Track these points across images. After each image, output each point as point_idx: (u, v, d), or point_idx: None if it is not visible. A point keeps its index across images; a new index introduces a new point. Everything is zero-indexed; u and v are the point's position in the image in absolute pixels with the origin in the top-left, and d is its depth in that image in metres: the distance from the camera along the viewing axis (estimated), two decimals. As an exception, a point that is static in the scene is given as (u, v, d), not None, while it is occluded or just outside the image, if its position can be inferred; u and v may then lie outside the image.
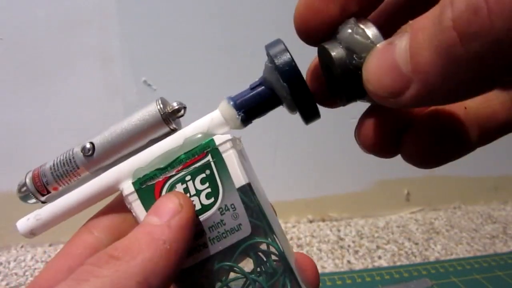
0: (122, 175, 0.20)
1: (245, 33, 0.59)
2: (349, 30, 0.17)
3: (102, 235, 0.21)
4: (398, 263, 0.54)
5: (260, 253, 0.20)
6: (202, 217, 0.20)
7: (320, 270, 0.52)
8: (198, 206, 0.20)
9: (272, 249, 0.20)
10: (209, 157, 0.20)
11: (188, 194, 0.20)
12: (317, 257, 0.56)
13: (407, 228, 0.65)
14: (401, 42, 0.14)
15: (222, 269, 0.20)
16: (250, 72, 0.63)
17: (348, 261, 0.55)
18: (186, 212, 0.19)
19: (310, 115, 0.20)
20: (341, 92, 0.18)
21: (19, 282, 0.51)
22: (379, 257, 0.56)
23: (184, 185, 0.20)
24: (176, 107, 0.21)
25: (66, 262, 0.20)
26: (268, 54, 0.20)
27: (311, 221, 0.66)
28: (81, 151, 0.21)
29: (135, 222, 0.21)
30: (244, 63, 0.60)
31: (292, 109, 0.20)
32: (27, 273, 0.53)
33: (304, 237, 0.61)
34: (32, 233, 0.22)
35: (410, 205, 0.71)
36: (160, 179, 0.20)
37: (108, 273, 0.16)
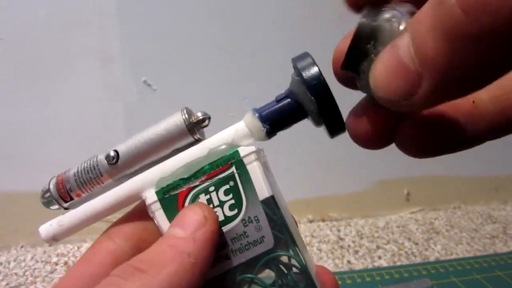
0: (145, 183, 0.21)
1: (245, 33, 0.59)
2: (387, 15, 0.16)
3: (123, 243, 0.21)
4: (398, 263, 0.54)
5: (281, 266, 0.20)
6: (225, 229, 0.20)
7: (320, 270, 0.52)
8: (221, 217, 0.20)
9: (294, 262, 0.20)
10: (233, 169, 0.20)
11: (211, 205, 0.20)
12: (317, 257, 0.56)
13: (407, 228, 0.65)
14: (403, 40, 0.14)
15: (243, 281, 0.20)
16: (250, 72, 0.64)
17: (348, 261, 0.55)
18: (211, 224, 0.19)
19: (336, 129, 0.20)
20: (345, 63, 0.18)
21: (19, 282, 0.51)
22: (379, 257, 0.56)
23: (208, 196, 0.20)
24: (201, 118, 0.21)
25: (87, 269, 0.20)
26: (295, 67, 0.20)
27: (311, 221, 0.66)
28: (105, 159, 0.21)
29: (157, 230, 0.21)
30: (244, 63, 0.60)
31: (318, 123, 0.20)
32: (27, 273, 0.53)
33: (304, 237, 0.61)
34: (54, 238, 0.22)
35: (410, 205, 0.71)
36: (184, 189, 0.20)
37: (133, 286, 0.16)
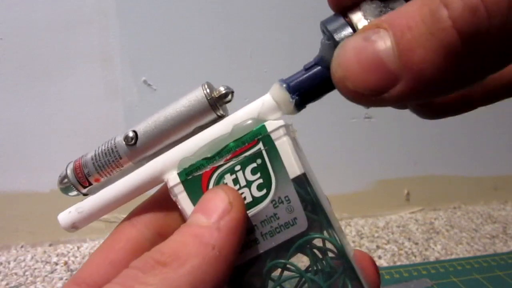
0: (167, 165, 0.19)
1: (245, 33, 0.59)
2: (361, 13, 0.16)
3: (145, 229, 0.20)
4: (398, 263, 0.54)
5: (316, 250, 0.19)
6: (253, 211, 0.18)
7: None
8: (249, 199, 0.18)
9: (330, 245, 0.18)
10: (260, 145, 0.18)
11: (237, 186, 0.19)
12: (317, 257, 0.56)
13: (407, 228, 0.64)
14: (383, 39, 0.14)
15: (275, 267, 0.19)
16: (250, 72, 0.63)
17: (348, 261, 0.55)
18: (237, 211, 0.17)
19: None
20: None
21: (19, 282, 0.51)
22: (379, 257, 0.56)
23: (234, 176, 0.19)
24: (224, 92, 0.19)
25: (108, 256, 0.19)
26: (325, 30, 0.18)
27: (311, 221, 0.66)
28: (124, 140, 0.20)
29: (180, 216, 0.20)
30: (244, 63, 0.60)
31: None
32: (27, 273, 0.53)
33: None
34: (74, 226, 0.21)
35: (410, 205, 0.71)
36: (208, 169, 0.19)
37: (154, 281, 0.15)
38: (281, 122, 0.18)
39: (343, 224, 0.66)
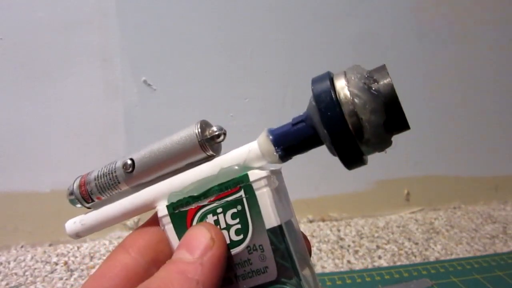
0: (158, 195, 0.21)
1: (245, 33, 0.59)
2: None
3: (139, 256, 0.21)
4: (398, 263, 0.54)
5: None
6: (230, 252, 0.20)
7: (320, 270, 0.52)
8: (227, 241, 0.20)
9: None
10: (241, 193, 0.19)
11: (218, 226, 0.20)
12: (317, 257, 0.56)
13: (407, 228, 0.64)
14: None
15: None
16: (250, 72, 0.63)
17: (348, 261, 0.55)
18: (218, 247, 0.18)
19: (352, 164, 0.19)
20: None
21: (19, 282, 0.51)
22: (379, 257, 0.56)
23: (215, 217, 0.20)
24: (216, 133, 0.20)
25: (101, 284, 0.20)
26: (312, 91, 0.18)
27: (311, 221, 0.66)
28: (122, 167, 0.21)
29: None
30: (244, 63, 0.60)
31: (333, 153, 0.19)
32: (27, 273, 0.53)
33: (304, 237, 0.61)
34: (77, 235, 0.23)
35: (410, 205, 0.71)
36: (193, 207, 0.20)
37: None
38: (263, 173, 0.19)
39: (343, 224, 0.66)
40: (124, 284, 0.19)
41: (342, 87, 0.17)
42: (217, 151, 0.21)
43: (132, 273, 0.20)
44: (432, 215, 0.69)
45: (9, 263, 0.55)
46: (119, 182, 0.22)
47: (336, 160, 0.20)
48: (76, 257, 0.56)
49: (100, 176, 0.22)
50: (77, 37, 0.55)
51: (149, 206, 0.21)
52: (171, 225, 0.20)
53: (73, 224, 0.23)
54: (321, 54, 0.61)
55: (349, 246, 0.59)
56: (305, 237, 0.22)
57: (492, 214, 0.69)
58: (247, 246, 0.19)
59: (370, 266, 0.54)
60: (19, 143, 0.57)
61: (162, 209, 0.20)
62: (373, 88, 0.17)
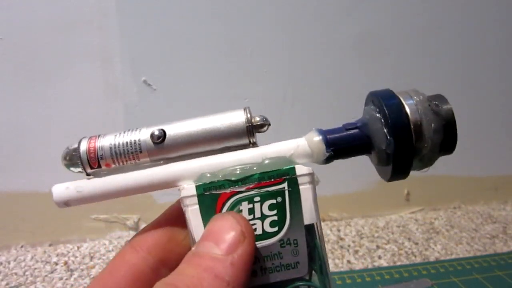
0: (185, 173, 0.19)
1: (245, 33, 0.59)
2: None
3: (148, 256, 0.20)
4: (398, 263, 0.54)
5: None
6: (260, 244, 0.19)
7: (320, 270, 0.52)
8: (259, 231, 0.19)
9: None
10: (285, 185, 0.19)
11: (251, 216, 0.19)
12: (317, 257, 0.56)
13: (407, 228, 0.65)
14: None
15: None
16: (250, 72, 0.63)
17: (348, 261, 0.55)
18: (249, 243, 0.17)
19: (399, 175, 0.20)
20: None
21: (19, 282, 0.51)
22: (379, 257, 0.56)
23: (251, 205, 0.19)
24: (260, 123, 0.20)
25: (108, 285, 0.19)
26: (377, 103, 0.19)
27: (311, 221, 0.66)
28: (150, 137, 0.19)
29: (183, 241, 0.20)
30: (244, 63, 0.60)
31: (381, 162, 0.20)
32: (27, 273, 0.53)
33: (304, 237, 0.62)
34: (66, 203, 0.20)
35: (410, 205, 0.71)
36: (228, 192, 0.19)
37: None
38: (310, 170, 0.19)
39: (343, 224, 0.66)
40: (131, 283, 0.19)
41: (411, 103, 0.19)
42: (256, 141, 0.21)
43: (140, 273, 0.20)
44: (432, 215, 0.69)
45: (9, 263, 0.55)
46: (140, 152, 0.20)
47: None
48: (76, 257, 0.56)
49: (118, 142, 0.20)
50: (77, 37, 0.55)
51: (170, 183, 0.20)
52: (197, 207, 0.19)
53: (64, 189, 0.20)
54: (321, 54, 0.61)
55: (349, 246, 0.59)
56: None
57: (492, 214, 0.69)
58: (281, 239, 0.19)
59: (370, 266, 0.54)
60: (19, 143, 0.57)
61: (189, 188, 0.19)
62: (437, 110, 0.19)
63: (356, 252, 0.58)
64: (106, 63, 0.57)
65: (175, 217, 0.21)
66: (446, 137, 0.19)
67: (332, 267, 0.54)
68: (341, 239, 0.61)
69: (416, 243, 0.60)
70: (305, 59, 0.61)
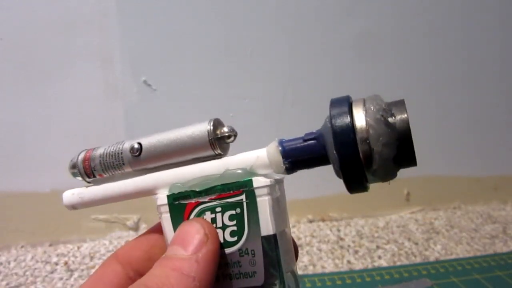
0: (161, 183, 0.21)
1: (245, 33, 0.59)
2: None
3: (129, 268, 0.21)
4: (398, 263, 0.54)
5: None
6: (221, 252, 0.20)
7: (320, 270, 0.52)
8: (220, 240, 0.20)
9: None
10: (243, 196, 0.20)
11: (214, 225, 0.20)
12: (317, 257, 0.56)
13: (407, 228, 0.65)
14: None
15: None
16: (250, 72, 0.63)
17: (348, 261, 0.55)
18: (212, 243, 0.19)
19: (354, 189, 0.19)
20: None
21: (19, 282, 0.51)
22: (379, 257, 0.56)
23: (213, 215, 0.20)
24: (226, 134, 0.21)
25: None
26: (329, 113, 0.18)
27: (311, 221, 0.66)
28: (130, 151, 0.22)
29: (161, 249, 0.21)
30: (244, 63, 0.60)
31: (339, 176, 0.19)
32: (27, 273, 0.53)
33: (304, 237, 0.61)
34: (73, 207, 0.23)
35: (410, 205, 0.71)
36: (193, 201, 0.20)
37: None
38: (267, 182, 0.19)
39: (343, 224, 0.66)
40: None
41: (359, 115, 0.18)
42: (225, 151, 0.21)
43: (121, 285, 0.20)
44: (432, 215, 0.69)
45: (9, 263, 0.55)
46: (123, 164, 0.22)
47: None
48: (76, 257, 0.56)
49: (106, 154, 0.22)
50: (77, 37, 0.55)
51: (150, 192, 0.22)
52: (168, 215, 0.21)
53: (71, 195, 0.23)
54: (321, 54, 0.61)
55: (349, 246, 0.59)
56: (294, 243, 0.23)
57: (492, 214, 0.69)
58: (239, 249, 0.20)
59: (370, 266, 0.54)
60: (19, 143, 0.57)
61: (162, 198, 0.21)
62: (389, 122, 0.17)
63: (356, 252, 0.58)
64: (106, 63, 0.57)
65: (161, 230, 0.22)
66: (401, 151, 0.18)
67: (332, 267, 0.54)
68: (341, 239, 0.61)
69: (416, 243, 0.60)
70: (305, 59, 0.61)
